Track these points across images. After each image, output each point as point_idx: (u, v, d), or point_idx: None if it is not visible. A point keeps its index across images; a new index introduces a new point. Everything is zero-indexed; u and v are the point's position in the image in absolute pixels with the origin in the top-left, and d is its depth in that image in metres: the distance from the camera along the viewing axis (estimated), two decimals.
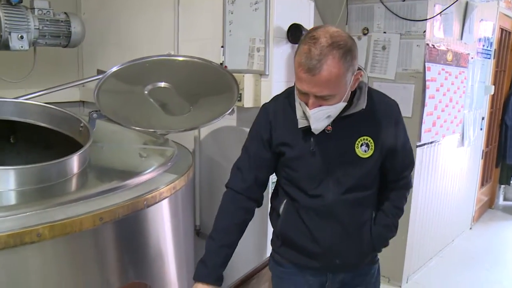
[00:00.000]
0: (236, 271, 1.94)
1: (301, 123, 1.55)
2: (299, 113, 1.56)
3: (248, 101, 2.36)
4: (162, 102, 2.09)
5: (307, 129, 1.55)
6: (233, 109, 2.30)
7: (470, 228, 4.92)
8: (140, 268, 1.67)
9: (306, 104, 1.48)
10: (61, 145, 2.04)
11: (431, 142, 3.60)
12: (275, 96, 1.74)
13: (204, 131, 2.72)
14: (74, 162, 1.63)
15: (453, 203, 4.27)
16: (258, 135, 1.67)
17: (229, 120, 2.54)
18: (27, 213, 1.35)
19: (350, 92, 1.52)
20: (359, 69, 1.51)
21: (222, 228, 1.66)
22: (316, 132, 1.54)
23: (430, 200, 3.80)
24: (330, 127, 1.56)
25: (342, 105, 1.51)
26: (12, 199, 1.47)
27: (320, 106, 1.46)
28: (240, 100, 2.31)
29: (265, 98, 2.39)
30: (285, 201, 1.69)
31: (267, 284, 1.99)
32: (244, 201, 1.68)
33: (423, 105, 3.31)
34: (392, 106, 1.67)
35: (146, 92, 2.08)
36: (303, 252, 1.69)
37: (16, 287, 1.33)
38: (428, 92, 3.31)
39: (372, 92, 1.63)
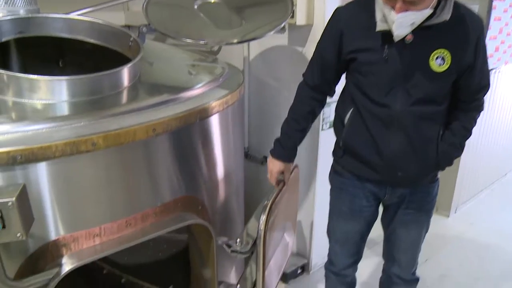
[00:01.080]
0: None
1: (380, 26, 1.50)
2: (378, 16, 1.50)
3: (301, 19, 2.25)
4: (213, 17, 2.01)
5: (384, 35, 1.52)
6: (284, 27, 2.20)
7: None
8: (190, 182, 1.67)
9: (393, 7, 1.42)
10: (110, 68, 2.02)
11: (491, 69, 3.39)
12: (351, 1, 1.70)
13: (254, 51, 2.64)
14: (125, 74, 1.60)
15: (509, 135, 4.08)
16: (328, 40, 1.68)
17: (280, 39, 2.45)
18: (82, 123, 1.34)
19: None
20: None
21: (296, 115, 1.81)
22: (397, 39, 1.49)
23: (485, 130, 3.65)
24: (410, 35, 1.50)
25: (428, 12, 1.44)
26: (65, 109, 1.46)
27: (407, 11, 1.41)
28: (292, 17, 2.20)
29: (319, 16, 2.28)
30: (351, 109, 1.68)
31: (286, 195, 1.96)
32: (315, 93, 1.78)
33: (486, 27, 3.08)
34: (477, 22, 1.57)
35: (196, 6, 2.01)
36: (366, 163, 1.70)
37: (71, 194, 1.36)
38: (493, 13, 3.07)
39: (458, 5, 1.54)
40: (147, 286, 2.01)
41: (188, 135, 1.59)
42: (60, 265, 1.36)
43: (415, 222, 1.83)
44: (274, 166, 1.85)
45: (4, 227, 1.13)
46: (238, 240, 1.72)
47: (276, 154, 1.86)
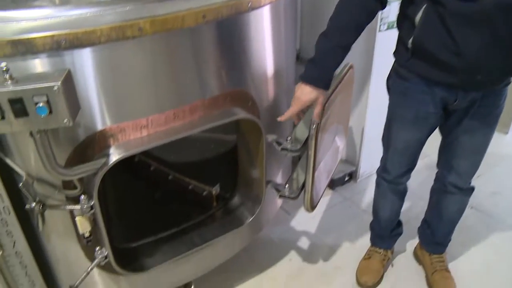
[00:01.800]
0: None
1: None
2: None
3: None
4: None
5: None
6: None
7: None
8: (240, 76, 1.60)
9: None
10: None
11: None
12: None
13: None
14: None
15: None
16: None
17: None
18: (127, 8, 1.26)
19: None
20: None
21: (340, 26, 1.50)
22: None
23: None
24: None
25: None
26: None
27: None
28: None
29: None
30: (424, 6, 1.47)
31: (340, 96, 1.78)
32: (369, 1, 1.49)
33: None
34: None
35: None
36: (440, 66, 1.52)
37: (117, 82, 1.31)
38: None
39: None
40: (193, 184, 2.01)
41: (238, 25, 1.49)
42: (107, 155, 1.35)
43: (483, 128, 1.70)
44: (303, 92, 1.52)
45: (51, 112, 1.11)
46: (288, 138, 1.66)
47: (308, 77, 1.52)
